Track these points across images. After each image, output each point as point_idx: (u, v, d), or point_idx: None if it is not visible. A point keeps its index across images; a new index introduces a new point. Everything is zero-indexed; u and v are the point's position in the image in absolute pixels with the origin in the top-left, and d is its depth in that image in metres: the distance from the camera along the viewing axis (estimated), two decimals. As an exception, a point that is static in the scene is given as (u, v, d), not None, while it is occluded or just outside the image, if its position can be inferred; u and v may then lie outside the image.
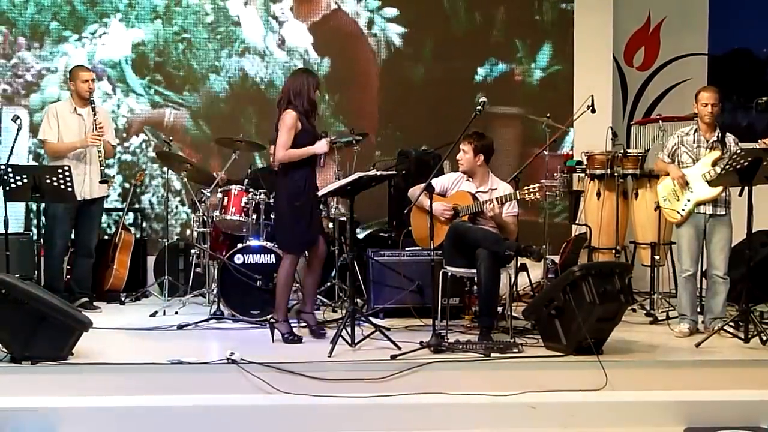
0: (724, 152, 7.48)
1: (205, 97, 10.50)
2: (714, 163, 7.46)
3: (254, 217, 8.44)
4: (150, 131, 10.22)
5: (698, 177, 7.57)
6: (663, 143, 8.51)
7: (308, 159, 7.36)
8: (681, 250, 7.70)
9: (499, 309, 7.83)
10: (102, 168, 8.54)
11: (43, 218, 8.78)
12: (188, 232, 9.90)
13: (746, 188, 7.21)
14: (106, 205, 9.57)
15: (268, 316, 7.67)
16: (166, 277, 9.23)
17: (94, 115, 8.57)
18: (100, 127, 8.51)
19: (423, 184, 7.37)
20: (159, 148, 9.53)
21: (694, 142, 7.69)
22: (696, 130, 7.70)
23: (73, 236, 8.88)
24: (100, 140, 8.49)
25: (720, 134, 7.62)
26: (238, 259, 8.19)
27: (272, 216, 8.11)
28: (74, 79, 8.70)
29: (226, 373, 6.39)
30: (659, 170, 7.97)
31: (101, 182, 8.56)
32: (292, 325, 7.45)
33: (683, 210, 7.64)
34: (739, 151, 7.25)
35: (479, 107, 7.18)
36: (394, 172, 8.81)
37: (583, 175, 9.45)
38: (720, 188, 7.49)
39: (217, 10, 10.50)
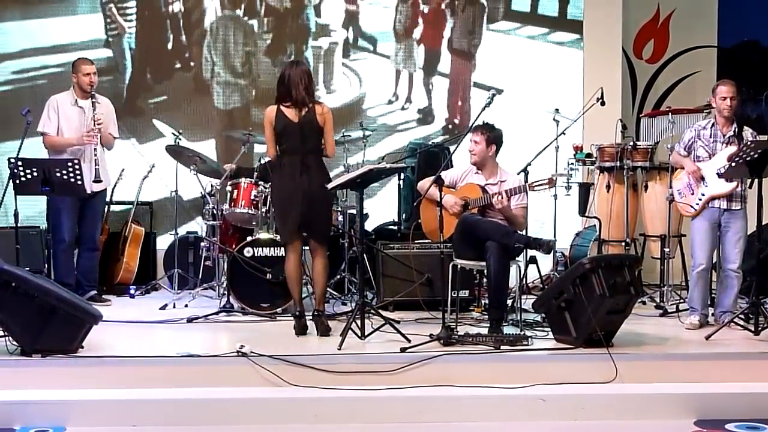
0: (740, 147, 7.42)
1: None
2: (730, 159, 7.39)
3: (263, 210, 8.45)
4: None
5: (714, 172, 7.53)
6: (673, 135, 8.53)
7: (290, 152, 7.37)
8: (694, 244, 7.66)
9: (509, 301, 7.83)
10: (97, 167, 8.48)
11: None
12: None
13: (756, 180, 7.21)
14: (116, 198, 9.60)
15: (279, 309, 7.71)
16: (175, 270, 9.24)
17: (94, 110, 8.53)
18: (99, 123, 8.48)
19: (432, 177, 7.37)
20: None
21: (710, 137, 7.65)
22: (713, 125, 7.66)
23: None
24: (95, 139, 8.44)
25: (737, 129, 7.59)
26: (248, 252, 8.21)
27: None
28: (76, 71, 8.61)
29: (236, 366, 6.40)
30: (675, 163, 7.94)
31: (95, 182, 8.50)
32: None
33: (697, 204, 7.61)
34: (749, 143, 7.23)
35: (489, 99, 7.20)
36: (403, 165, 8.81)
37: (593, 167, 9.44)
38: (734, 183, 7.46)
39: None
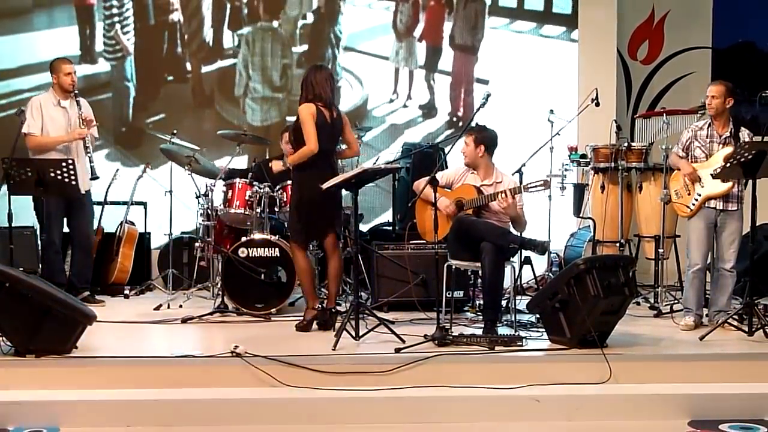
0: (736, 148, 7.41)
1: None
2: (726, 159, 7.37)
3: (258, 210, 8.44)
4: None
5: (710, 173, 7.53)
6: (667, 136, 8.52)
7: (322, 152, 7.38)
8: (690, 244, 7.68)
9: (503, 302, 7.84)
10: (92, 165, 8.48)
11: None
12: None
13: (750, 181, 7.22)
14: (110, 198, 9.60)
15: (273, 309, 7.74)
16: (170, 270, 9.24)
17: (79, 108, 8.54)
18: (86, 121, 8.48)
19: (428, 177, 7.36)
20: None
21: (707, 137, 7.66)
22: (710, 125, 7.68)
23: (69, 230, 8.83)
24: (87, 134, 8.45)
25: (733, 129, 7.60)
26: (242, 252, 8.20)
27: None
28: (56, 72, 8.56)
29: (231, 367, 6.39)
30: (673, 165, 7.96)
31: (92, 179, 8.51)
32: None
33: (693, 205, 7.63)
34: (743, 144, 7.24)
35: (484, 100, 7.20)
36: (398, 165, 8.81)
37: (587, 168, 9.43)
38: (730, 183, 7.48)
39: None
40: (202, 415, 6.12)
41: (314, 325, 7.52)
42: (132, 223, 9.87)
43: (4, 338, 6.50)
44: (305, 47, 10.83)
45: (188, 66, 10.78)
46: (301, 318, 7.57)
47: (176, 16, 10.68)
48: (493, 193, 7.59)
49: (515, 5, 11.01)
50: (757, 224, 7.46)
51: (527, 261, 8.97)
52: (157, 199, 9.60)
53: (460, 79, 10.95)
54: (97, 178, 8.55)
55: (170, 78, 10.75)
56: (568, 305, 6.83)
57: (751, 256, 7.43)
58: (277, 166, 7.68)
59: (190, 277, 9.29)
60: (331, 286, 7.66)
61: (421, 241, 8.36)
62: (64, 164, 7.61)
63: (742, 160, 7.10)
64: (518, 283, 8.71)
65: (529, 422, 6.21)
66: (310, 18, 10.82)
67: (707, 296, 7.93)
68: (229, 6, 10.74)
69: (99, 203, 9.45)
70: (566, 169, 9.35)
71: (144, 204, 10.15)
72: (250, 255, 8.22)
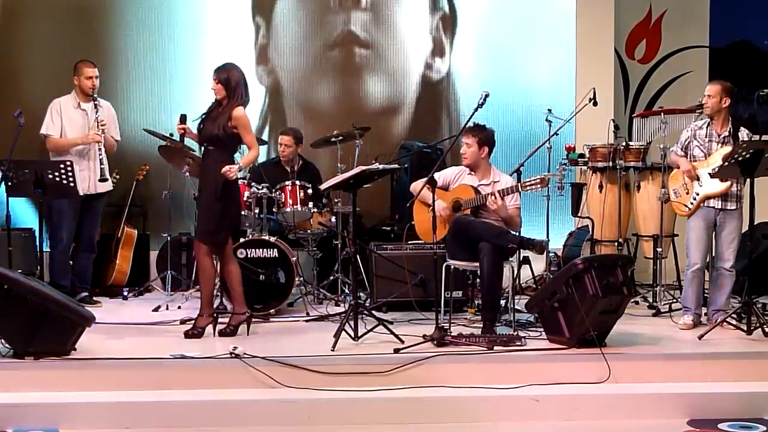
0: (735, 147, 7.41)
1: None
2: (725, 159, 7.37)
3: (256, 211, 8.44)
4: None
5: (708, 172, 7.54)
6: (665, 135, 8.52)
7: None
8: (690, 243, 7.68)
9: (502, 302, 7.84)
10: (102, 167, 8.52)
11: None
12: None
13: (748, 180, 7.23)
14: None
15: (272, 310, 7.73)
16: (168, 271, 9.24)
17: (96, 111, 8.57)
18: (102, 125, 8.52)
19: (425, 178, 7.36)
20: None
21: (706, 136, 7.67)
22: (709, 124, 7.68)
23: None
24: (100, 138, 8.49)
25: (732, 128, 7.61)
26: (241, 253, 8.18)
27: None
28: (78, 74, 8.65)
29: (229, 368, 6.40)
30: (672, 163, 7.96)
31: (100, 181, 8.54)
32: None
33: (691, 204, 7.64)
34: (740, 143, 7.25)
35: (481, 100, 7.20)
36: (396, 165, 8.80)
37: (585, 167, 9.43)
38: (728, 183, 7.48)
39: None
40: (201, 416, 6.11)
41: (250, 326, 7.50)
42: (131, 225, 9.86)
43: (3, 340, 6.50)
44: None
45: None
46: (216, 324, 7.47)
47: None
48: (491, 193, 7.59)
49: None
50: (756, 223, 7.48)
51: (526, 261, 8.98)
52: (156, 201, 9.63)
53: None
54: (106, 180, 8.58)
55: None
56: (566, 305, 6.83)
57: (749, 255, 7.45)
58: None
59: (189, 279, 9.28)
60: (238, 289, 7.49)
61: (420, 242, 8.36)
62: (62, 166, 7.64)
63: (740, 159, 7.11)
64: (517, 282, 8.70)
65: (528, 422, 6.21)
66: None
67: (706, 295, 7.93)
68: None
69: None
70: (564, 169, 9.34)
71: (142, 205, 10.15)
72: (249, 256, 8.21)
